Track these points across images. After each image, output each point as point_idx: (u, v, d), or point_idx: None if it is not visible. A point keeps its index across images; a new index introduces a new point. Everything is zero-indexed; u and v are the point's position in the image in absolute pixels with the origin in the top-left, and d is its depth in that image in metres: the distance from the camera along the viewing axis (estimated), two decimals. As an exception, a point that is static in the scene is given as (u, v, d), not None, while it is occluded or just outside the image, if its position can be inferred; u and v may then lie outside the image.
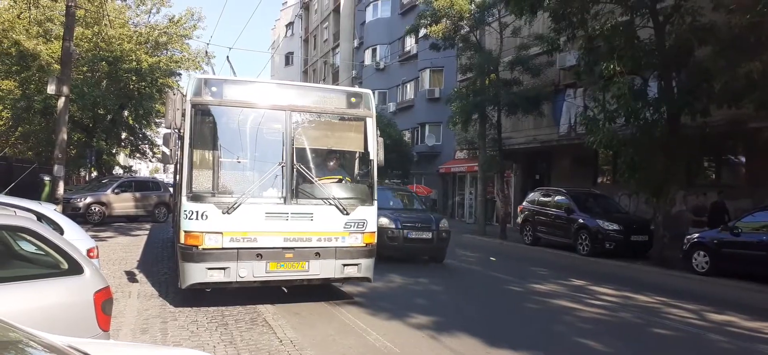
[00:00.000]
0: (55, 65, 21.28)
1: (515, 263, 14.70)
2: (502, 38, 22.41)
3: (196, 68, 28.58)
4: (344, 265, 7.84)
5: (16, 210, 4.92)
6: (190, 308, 7.73)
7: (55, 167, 14.73)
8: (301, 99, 7.90)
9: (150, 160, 37.04)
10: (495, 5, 21.64)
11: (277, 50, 62.70)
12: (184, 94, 7.66)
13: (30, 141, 27.26)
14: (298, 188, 7.62)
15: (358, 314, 7.94)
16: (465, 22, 22.58)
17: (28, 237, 4.41)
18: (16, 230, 4.38)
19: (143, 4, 27.83)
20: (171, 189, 21.34)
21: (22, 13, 24.43)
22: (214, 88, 7.45)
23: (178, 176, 10.43)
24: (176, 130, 7.39)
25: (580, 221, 16.49)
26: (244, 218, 7.29)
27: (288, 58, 62.60)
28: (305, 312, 7.89)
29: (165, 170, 48.19)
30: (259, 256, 7.38)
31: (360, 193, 8.15)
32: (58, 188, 14.68)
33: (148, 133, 33.52)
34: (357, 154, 8.64)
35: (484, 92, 21.99)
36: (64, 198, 16.07)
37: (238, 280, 7.32)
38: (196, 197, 7.21)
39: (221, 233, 7.22)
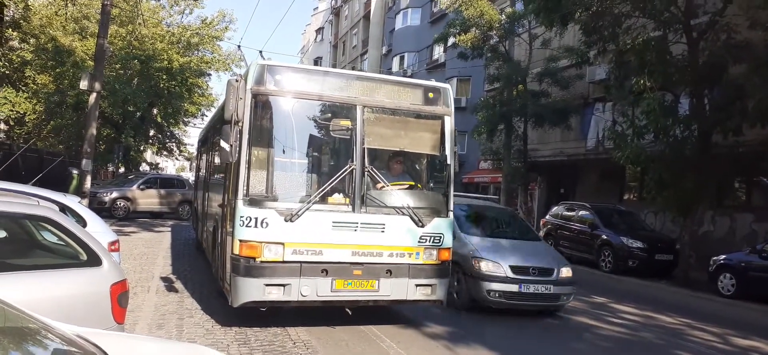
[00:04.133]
0: (89, 62, 21.70)
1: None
2: (532, 49, 22.24)
3: (226, 70, 28.95)
4: (417, 285, 6.94)
5: (39, 200, 5.00)
6: (206, 306, 7.77)
7: (83, 161, 14.97)
8: (374, 92, 6.96)
9: (176, 159, 37.55)
10: (525, 16, 21.47)
11: (306, 55, 63.19)
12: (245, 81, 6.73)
13: (61, 135, 27.83)
14: (368, 194, 6.75)
15: (373, 320, 7.84)
16: (494, 32, 22.48)
17: (50, 227, 4.48)
18: (38, 220, 4.45)
19: (176, 4, 28.26)
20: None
21: (59, 9, 25.01)
22: (278, 77, 6.57)
23: (216, 174, 9.84)
24: (237, 123, 6.35)
25: (604, 236, 16.21)
26: (308, 227, 6.41)
27: (316, 63, 63.01)
28: (319, 315, 7.87)
29: (191, 168, 48.77)
30: (325, 272, 6.49)
31: (435, 202, 7.26)
32: (85, 181, 14.92)
33: (175, 131, 34.00)
34: (431, 158, 7.75)
35: (511, 103, 21.82)
36: (91, 192, 16.33)
37: (299, 299, 6.43)
38: (254, 201, 6.34)
39: (283, 243, 6.34)
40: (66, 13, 25.05)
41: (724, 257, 13.22)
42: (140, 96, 25.94)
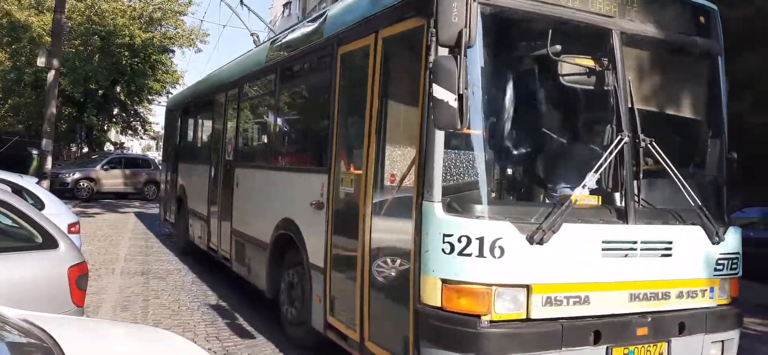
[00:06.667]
0: (47, 38, 20.99)
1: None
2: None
3: (190, 45, 28.33)
4: (713, 342, 4.11)
5: (-10, 181, 4.81)
6: (173, 288, 7.64)
7: (43, 141, 14.56)
8: (632, 10, 3.98)
9: (141, 138, 36.74)
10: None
11: (275, 29, 62.39)
12: None
13: (20, 114, 27.02)
14: (642, 190, 3.92)
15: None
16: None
17: (1, 209, 4.31)
18: (-12, 201, 4.27)
19: (138, -22, 27.47)
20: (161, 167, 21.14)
21: (13, -18, 24.09)
22: None
23: (275, 144, 6.84)
24: (457, 51, 3.09)
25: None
26: (564, 254, 3.56)
27: (284, 39, 62.27)
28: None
29: (158, 148, 47.73)
30: (597, 335, 3.62)
31: (717, 201, 4.43)
32: (46, 162, 14.51)
33: (140, 110, 33.22)
34: (699, 125, 4.70)
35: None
36: (53, 173, 15.92)
37: None
38: (465, 205, 3.51)
39: (527, 286, 3.48)
40: (21, -13, 24.14)
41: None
42: (102, 73, 25.28)
